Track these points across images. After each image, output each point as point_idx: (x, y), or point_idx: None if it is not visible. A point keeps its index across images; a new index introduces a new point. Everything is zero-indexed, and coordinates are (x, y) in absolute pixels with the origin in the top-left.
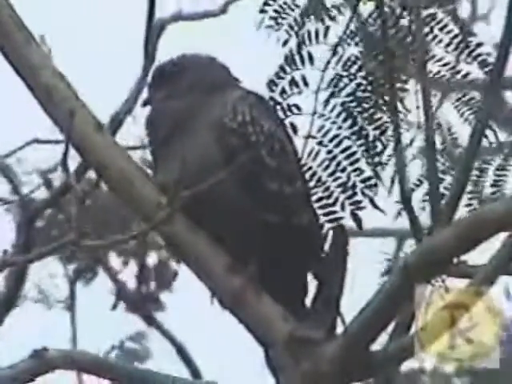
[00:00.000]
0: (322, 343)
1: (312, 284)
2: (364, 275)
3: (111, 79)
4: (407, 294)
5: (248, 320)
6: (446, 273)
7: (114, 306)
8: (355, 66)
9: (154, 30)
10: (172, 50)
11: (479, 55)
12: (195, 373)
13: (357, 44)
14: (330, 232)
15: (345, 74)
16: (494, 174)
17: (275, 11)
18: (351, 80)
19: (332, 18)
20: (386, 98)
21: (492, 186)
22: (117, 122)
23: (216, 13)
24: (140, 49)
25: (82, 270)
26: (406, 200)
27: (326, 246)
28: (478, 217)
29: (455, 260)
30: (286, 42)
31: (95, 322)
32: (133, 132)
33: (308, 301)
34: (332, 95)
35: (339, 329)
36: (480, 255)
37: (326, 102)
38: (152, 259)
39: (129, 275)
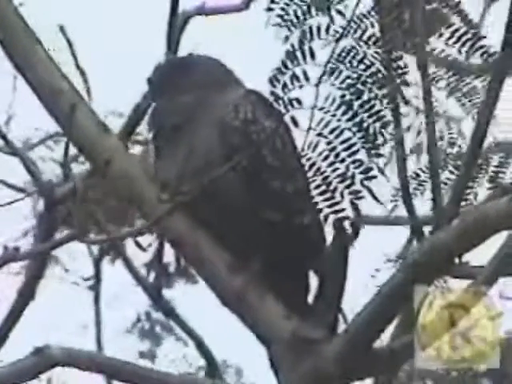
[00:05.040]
0: (325, 342)
1: (314, 282)
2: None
3: (134, 71)
4: (410, 292)
5: (250, 319)
6: (449, 272)
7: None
8: (355, 59)
9: (177, 23)
10: (195, 43)
11: (482, 47)
12: (214, 368)
13: (359, 37)
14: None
15: (344, 66)
16: None
17: (282, 9)
18: (352, 72)
19: (338, 12)
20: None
21: None
22: (139, 113)
23: (239, 7)
24: (163, 41)
25: (106, 249)
26: (404, 191)
27: (328, 244)
28: (482, 214)
29: (458, 260)
30: (287, 38)
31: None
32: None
33: (310, 299)
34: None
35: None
36: (482, 256)
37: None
38: None
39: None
